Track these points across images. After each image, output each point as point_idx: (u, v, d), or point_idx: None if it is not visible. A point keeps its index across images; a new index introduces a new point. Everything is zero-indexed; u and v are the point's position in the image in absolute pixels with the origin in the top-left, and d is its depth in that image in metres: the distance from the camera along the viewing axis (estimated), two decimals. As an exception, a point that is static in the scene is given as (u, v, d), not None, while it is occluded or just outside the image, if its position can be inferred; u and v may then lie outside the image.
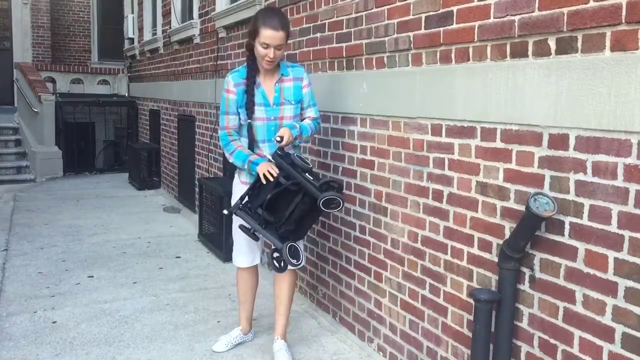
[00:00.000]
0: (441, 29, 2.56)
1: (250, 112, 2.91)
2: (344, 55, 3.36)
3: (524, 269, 2.19)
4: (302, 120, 3.06)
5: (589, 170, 1.91)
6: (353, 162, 3.33)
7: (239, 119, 2.96)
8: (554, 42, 2.02)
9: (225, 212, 2.92)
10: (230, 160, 2.99)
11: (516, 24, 2.16)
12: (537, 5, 2.07)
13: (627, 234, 1.80)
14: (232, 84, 2.93)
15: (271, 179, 2.73)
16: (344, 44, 3.35)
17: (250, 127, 2.93)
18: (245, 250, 3.10)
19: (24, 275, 4.39)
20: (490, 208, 2.34)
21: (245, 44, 2.99)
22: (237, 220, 2.94)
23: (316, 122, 3.09)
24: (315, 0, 3.65)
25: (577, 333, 1.99)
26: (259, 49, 2.83)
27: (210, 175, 5.82)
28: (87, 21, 13.27)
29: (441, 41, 2.56)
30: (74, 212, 6.57)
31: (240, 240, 3.07)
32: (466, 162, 2.46)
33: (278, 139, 2.80)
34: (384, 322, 3.10)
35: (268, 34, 2.79)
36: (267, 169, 2.75)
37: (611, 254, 1.85)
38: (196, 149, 6.38)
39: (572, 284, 2.00)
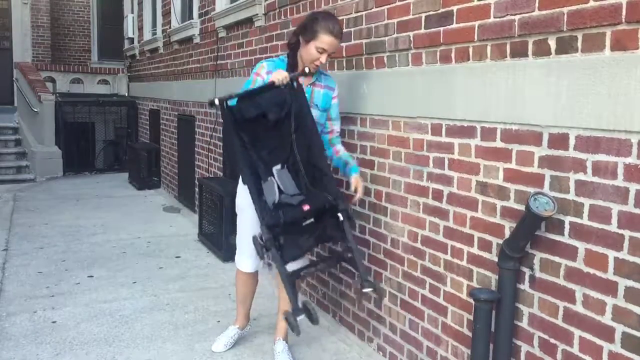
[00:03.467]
0: (441, 28, 2.55)
1: None
2: (344, 55, 3.35)
3: (524, 269, 2.19)
4: (326, 132, 2.99)
5: (589, 170, 1.91)
6: (353, 161, 3.33)
7: None
8: (554, 42, 2.02)
9: (216, 100, 2.55)
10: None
11: (516, 23, 2.16)
12: (537, 5, 2.07)
13: (627, 233, 1.80)
14: (265, 69, 2.84)
15: (279, 83, 2.58)
16: (343, 44, 3.34)
17: None
18: (252, 254, 2.97)
19: (23, 275, 4.39)
20: (490, 208, 2.34)
21: (290, 40, 2.92)
22: (241, 222, 2.88)
23: (340, 139, 3.06)
24: (315, 0, 3.65)
25: (577, 333, 1.99)
26: (312, 52, 2.77)
27: (210, 175, 5.82)
28: (87, 21, 13.28)
29: (441, 41, 2.56)
30: (74, 212, 6.56)
31: (245, 243, 2.98)
32: (466, 161, 2.46)
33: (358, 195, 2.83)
34: (383, 322, 3.10)
35: (328, 40, 2.74)
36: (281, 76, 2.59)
37: (611, 254, 1.85)
38: (196, 149, 6.38)
39: (572, 283, 2.00)
